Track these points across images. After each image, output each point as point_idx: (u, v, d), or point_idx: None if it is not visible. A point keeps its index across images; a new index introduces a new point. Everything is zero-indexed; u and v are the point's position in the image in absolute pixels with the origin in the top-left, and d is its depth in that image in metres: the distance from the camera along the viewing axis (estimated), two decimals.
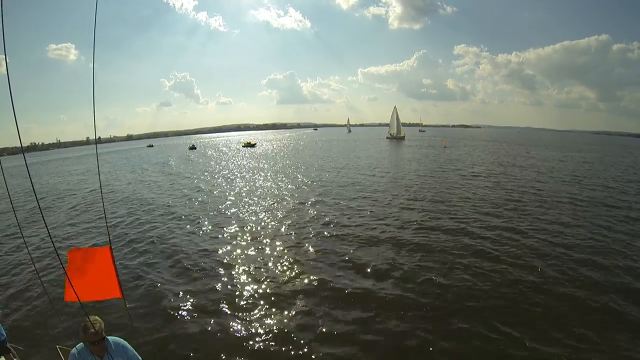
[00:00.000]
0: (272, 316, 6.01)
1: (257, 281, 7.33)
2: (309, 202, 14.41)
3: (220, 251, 9.16)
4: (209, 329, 5.71)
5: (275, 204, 14.51)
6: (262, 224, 11.66)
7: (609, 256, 8.14)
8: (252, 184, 20.62)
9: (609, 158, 36.38)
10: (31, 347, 5.17)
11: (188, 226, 11.68)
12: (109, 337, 2.95)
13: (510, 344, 5.08)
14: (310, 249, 9.08)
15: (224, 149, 64.01)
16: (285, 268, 7.99)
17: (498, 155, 36.71)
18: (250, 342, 5.31)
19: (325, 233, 10.33)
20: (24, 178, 30.47)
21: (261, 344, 5.28)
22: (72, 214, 14.88)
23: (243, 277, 7.56)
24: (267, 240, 9.96)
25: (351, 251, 8.84)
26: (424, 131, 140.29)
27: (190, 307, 6.37)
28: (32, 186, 2.41)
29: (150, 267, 8.31)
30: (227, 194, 17.46)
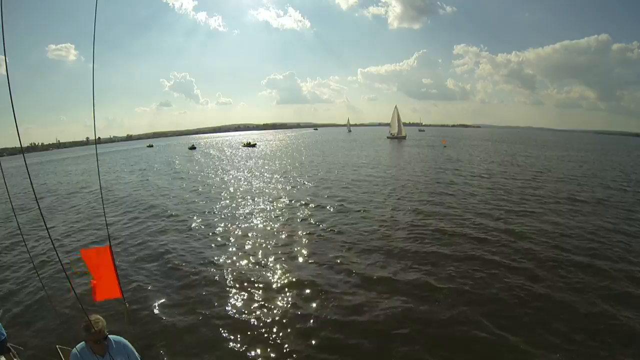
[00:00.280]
0: (272, 316, 6.02)
1: (256, 282, 7.33)
2: (310, 202, 14.41)
3: (218, 251, 9.16)
4: (209, 329, 5.71)
5: (275, 204, 14.51)
6: (263, 224, 11.66)
7: (607, 259, 8.02)
8: (251, 184, 20.62)
9: (609, 157, 36.39)
10: (31, 347, 5.18)
11: (186, 226, 11.68)
12: (110, 336, 2.97)
13: (504, 348, 5.03)
14: (304, 250, 9.06)
15: (225, 149, 64.02)
16: (285, 268, 8.00)
17: (498, 155, 36.72)
18: (249, 342, 5.32)
19: (323, 234, 10.32)
20: (24, 178, 30.49)
21: (260, 343, 5.29)
22: (72, 214, 14.88)
23: (242, 278, 7.54)
24: (267, 240, 9.95)
25: (345, 252, 8.84)
26: (424, 130, 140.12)
27: (189, 308, 6.37)
28: (32, 186, 2.41)
29: (149, 267, 8.31)
30: (225, 194, 17.46)
